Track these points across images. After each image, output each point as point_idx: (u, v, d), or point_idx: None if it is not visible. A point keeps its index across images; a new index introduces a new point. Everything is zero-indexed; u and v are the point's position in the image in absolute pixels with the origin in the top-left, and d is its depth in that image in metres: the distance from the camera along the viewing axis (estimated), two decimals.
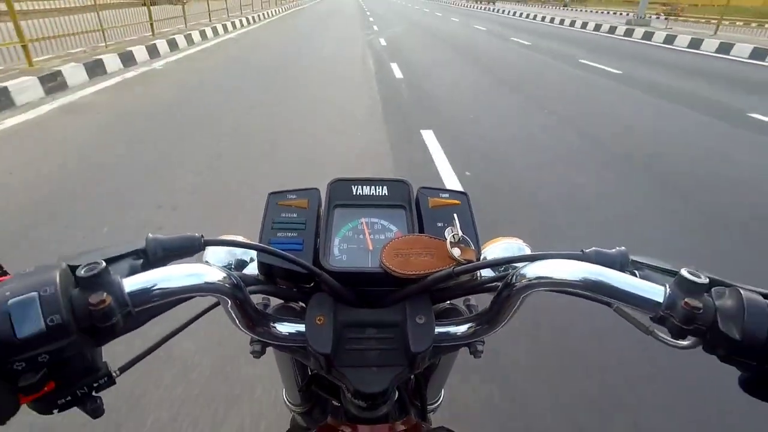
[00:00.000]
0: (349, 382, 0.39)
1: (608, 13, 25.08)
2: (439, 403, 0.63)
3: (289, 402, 0.61)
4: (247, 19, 14.43)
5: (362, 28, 14.39)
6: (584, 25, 18.82)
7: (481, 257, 0.47)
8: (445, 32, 14.69)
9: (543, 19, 22.79)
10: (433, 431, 0.46)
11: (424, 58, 9.12)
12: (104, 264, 0.30)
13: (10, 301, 0.27)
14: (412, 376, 0.56)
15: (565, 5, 27.66)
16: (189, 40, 9.48)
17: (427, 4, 41.63)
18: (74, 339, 0.28)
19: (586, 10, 25.88)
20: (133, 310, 0.31)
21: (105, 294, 0.29)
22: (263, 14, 17.29)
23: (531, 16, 24.36)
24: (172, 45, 8.54)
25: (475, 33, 14.74)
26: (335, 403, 0.57)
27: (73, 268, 0.31)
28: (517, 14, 26.30)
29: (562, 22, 20.77)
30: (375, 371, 0.39)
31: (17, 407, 0.28)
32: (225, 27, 12.02)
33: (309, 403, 0.59)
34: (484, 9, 33.27)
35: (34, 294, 0.28)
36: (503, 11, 29.79)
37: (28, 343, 0.27)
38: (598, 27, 17.62)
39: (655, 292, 0.33)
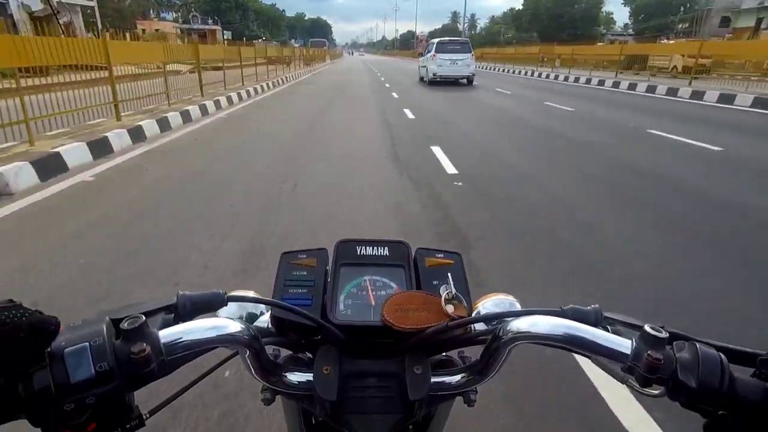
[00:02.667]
0: (352, 428, 0.42)
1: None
2: None
3: None
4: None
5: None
6: (632, 85, 15.19)
7: (475, 311, 0.52)
8: (520, 118, 9.11)
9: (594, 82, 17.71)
10: None
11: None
12: (144, 318, 0.35)
13: (66, 350, 0.32)
14: (410, 427, 0.59)
15: (555, 65, 26.08)
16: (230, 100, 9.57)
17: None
18: (117, 384, 0.32)
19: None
20: (166, 359, 0.35)
21: (144, 344, 0.33)
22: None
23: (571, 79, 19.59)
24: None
25: (566, 121, 8.84)
26: None
27: (114, 322, 0.35)
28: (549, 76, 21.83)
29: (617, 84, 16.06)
30: (376, 418, 0.43)
31: None
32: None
33: None
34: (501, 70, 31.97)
35: (86, 344, 0.32)
36: (523, 72, 25.85)
37: (79, 386, 0.31)
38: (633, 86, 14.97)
39: (623, 345, 0.37)
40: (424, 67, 18.42)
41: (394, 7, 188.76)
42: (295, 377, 0.45)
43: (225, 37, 40.53)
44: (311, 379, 0.43)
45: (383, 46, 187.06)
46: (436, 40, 18.40)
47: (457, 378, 0.46)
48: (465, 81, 17.44)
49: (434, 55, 16.90)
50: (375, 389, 0.44)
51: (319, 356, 0.44)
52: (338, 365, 0.43)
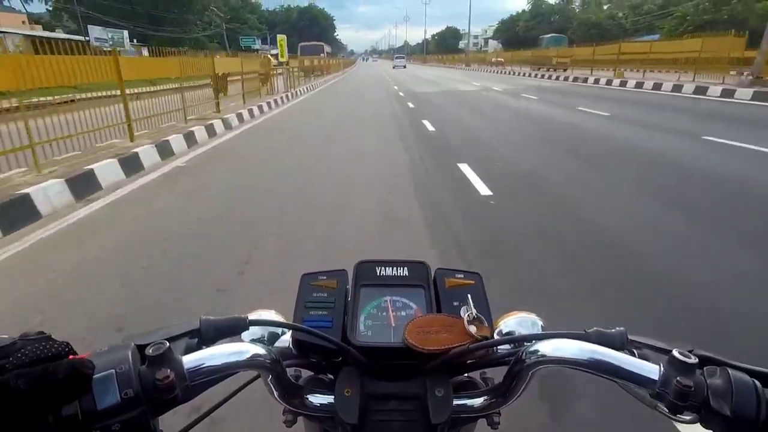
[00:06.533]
0: None
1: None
2: None
3: None
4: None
5: None
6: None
7: (497, 330, 0.51)
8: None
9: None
10: None
11: None
12: (168, 344, 0.35)
13: (93, 377, 0.32)
14: None
15: (564, 69, 24.63)
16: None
17: (468, 73, 35.34)
18: (142, 410, 0.33)
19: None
20: (190, 384, 0.35)
21: (169, 371, 0.33)
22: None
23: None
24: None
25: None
26: None
27: (140, 347, 0.35)
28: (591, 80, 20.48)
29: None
30: None
31: None
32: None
33: None
34: (506, 72, 31.61)
35: (112, 371, 0.32)
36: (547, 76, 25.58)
37: (105, 413, 0.31)
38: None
39: (651, 370, 0.36)
40: (392, 62, 66.42)
41: (405, 16, 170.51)
42: (316, 399, 0.45)
43: None
44: (333, 401, 0.43)
45: (406, 52, 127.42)
46: (395, 53, 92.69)
47: (479, 401, 0.46)
48: (403, 67, 55.53)
49: (394, 58, 70.77)
50: (397, 412, 0.43)
51: (340, 378, 0.43)
52: (359, 387, 0.43)
